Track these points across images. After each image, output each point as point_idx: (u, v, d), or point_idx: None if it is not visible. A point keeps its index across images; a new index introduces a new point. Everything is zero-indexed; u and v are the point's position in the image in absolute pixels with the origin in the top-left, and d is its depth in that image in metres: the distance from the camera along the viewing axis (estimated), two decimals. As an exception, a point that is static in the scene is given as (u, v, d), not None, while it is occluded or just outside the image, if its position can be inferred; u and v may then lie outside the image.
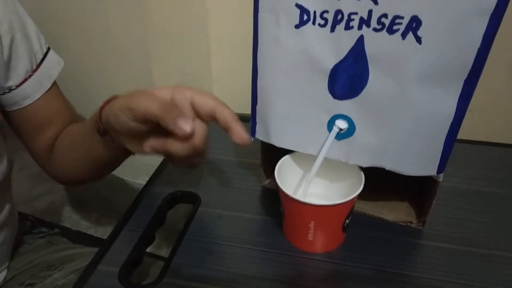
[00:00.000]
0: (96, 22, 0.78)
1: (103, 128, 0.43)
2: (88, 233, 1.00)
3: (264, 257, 0.44)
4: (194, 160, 0.42)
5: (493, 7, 0.30)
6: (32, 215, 0.72)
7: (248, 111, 0.46)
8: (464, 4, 0.30)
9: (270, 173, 0.51)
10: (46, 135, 0.56)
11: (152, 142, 0.40)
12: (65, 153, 0.56)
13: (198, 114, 0.40)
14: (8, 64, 0.50)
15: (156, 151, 0.40)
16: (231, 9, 0.71)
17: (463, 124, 0.37)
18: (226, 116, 0.39)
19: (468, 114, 0.71)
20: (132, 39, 0.77)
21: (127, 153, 0.47)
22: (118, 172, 0.99)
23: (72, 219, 1.09)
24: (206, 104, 0.39)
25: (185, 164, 0.38)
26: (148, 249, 0.47)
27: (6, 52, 0.49)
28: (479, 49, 0.32)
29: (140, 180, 0.97)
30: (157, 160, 0.93)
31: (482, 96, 0.68)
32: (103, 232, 1.05)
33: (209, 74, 0.81)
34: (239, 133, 0.38)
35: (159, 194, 0.52)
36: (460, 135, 0.37)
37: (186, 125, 0.35)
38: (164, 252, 0.48)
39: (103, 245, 0.46)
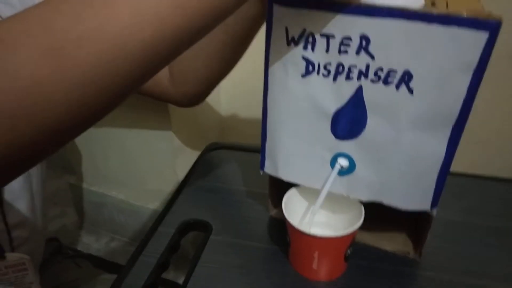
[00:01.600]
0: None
1: None
2: (98, 256, 1.03)
3: (272, 283, 0.47)
4: None
5: (476, 64, 0.34)
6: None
7: (257, 142, 0.49)
8: (450, 61, 0.34)
9: (277, 203, 0.55)
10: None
11: None
12: (194, 56, 0.52)
13: None
14: None
15: None
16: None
17: (462, 157, 0.40)
18: None
19: (467, 147, 0.75)
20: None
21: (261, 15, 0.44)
22: (129, 197, 1.03)
23: (83, 242, 1.11)
24: None
25: None
26: (163, 275, 0.50)
27: None
28: (464, 99, 0.36)
29: (150, 205, 1.00)
30: (168, 186, 0.97)
31: (480, 131, 0.72)
32: (112, 255, 1.08)
33: (219, 107, 0.85)
34: None
35: (173, 222, 0.55)
36: (458, 168, 0.40)
37: None
38: (178, 277, 0.51)
39: (123, 271, 0.49)
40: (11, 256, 0.57)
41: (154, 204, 1.00)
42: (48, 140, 0.26)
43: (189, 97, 0.58)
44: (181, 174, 0.88)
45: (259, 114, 0.47)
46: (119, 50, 0.25)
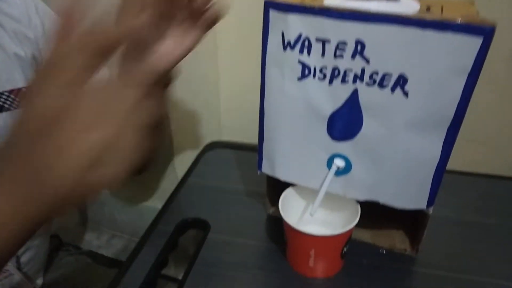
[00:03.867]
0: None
1: None
2: (99, 252, 1.04)
3: (269, 281, 0.47)
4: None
5: (470, 68, 0.35)
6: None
7: (256, 140, 0.50)
8: (445, 65, 0.35)
9: (275, 201, 0.56)
10: None
11: None
12: None
13: None
14: None
15: None
16: (240, 45, 0.75)
17: (458, 155, 0.41)
18: None
19: (463, 145, 0.75)
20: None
21: None
22: (128, 194, 1.04)
23: (84, 239, 1.12)
24: None
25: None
26: (162, 272, 0.51)
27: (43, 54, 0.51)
28: (458, 103, 0.36)
29: (150, 203, 1.01)
30: (168, 184, 0.97)
31: (476, 129, 0.72)
32: (114, 252, 1.09)
33: (218, 106, 0.85)
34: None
35: (172, 221, 0.56)
36: (454, 166, 0.41)
37: None
38: (176, 274, 0.52)
39: (122, 268, 0.50)
40: None
41: (154, 201, 1.00)
42: None
43: None
44: (181, 172, 0.88)
45: (258, 113, 0.47)
46: None
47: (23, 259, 0.59)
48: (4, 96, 0.50)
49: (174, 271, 0.58)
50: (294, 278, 0.48)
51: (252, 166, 0.52)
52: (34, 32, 0.52)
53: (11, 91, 0.50)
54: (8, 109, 0.50)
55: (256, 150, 0.50)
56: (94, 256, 0.73)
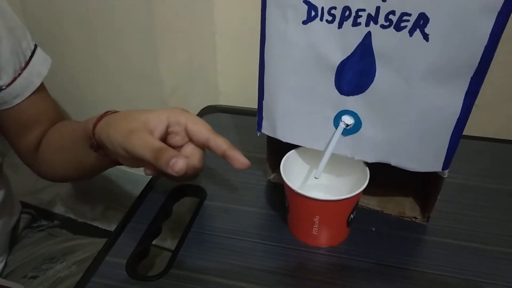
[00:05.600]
0: (101, 16, 0.77)
1: (97, 144, 0.44)
2: (93, 224, 1.01)
3: (269, 250, 0.44)
4: (191, 177, 0.44)
5: (500, 6, 0.30)
6: (37, 206, 0.72)
7: (253, 105, 0.46)
8: (472, 2, 0.30)
9: (275, 167, 0.52)
10: (32, 134, 0.56)
11: (152, 169, 0.41)
12: (53, 155, 0.56)
13: (192, 141, 0.43)
14: None
15: (155, 174, 0.42)
16: (237, 2, 0.71)
17: (468, 120, 0.37)
18: (220, 145, 0.41)
19: (473, 109, 0.71)
20: (138, 33, 0.77)
21: (119, 164, 0.47)
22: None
23: (77, 211, 1.09)
24: (199, 133, 0.42)
25: (182, 180, 0.39)
26: (155, 242, 0.48)
27: None
28: (485, 47, 0.32)
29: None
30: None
31: (487, 92, 0.68)
32: (108, 224, 1.06)
33: (215, 68, 0.81)
34: (238, 158, 0.41)
35: (165, 187, 0.52)
36: (465, 131, 0.38)
37: (177, 165, 0.36)
38: (170, 244, 0.48)
39: (111, 237, 0.46)
40: None
41: (149, 171, 0.97)
42: None
43: (47, 174, 0.60)
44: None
45: (257, 76, 0.43)
46: None
47: None
48: None
49: (167, 240, 0.55)
50: (296, 247, 0.44)
51: (251, 130, 0.48)
52: None
53: None
54: None
55: (255, 115, 0.46)
56: (72, 227, 0.70)
